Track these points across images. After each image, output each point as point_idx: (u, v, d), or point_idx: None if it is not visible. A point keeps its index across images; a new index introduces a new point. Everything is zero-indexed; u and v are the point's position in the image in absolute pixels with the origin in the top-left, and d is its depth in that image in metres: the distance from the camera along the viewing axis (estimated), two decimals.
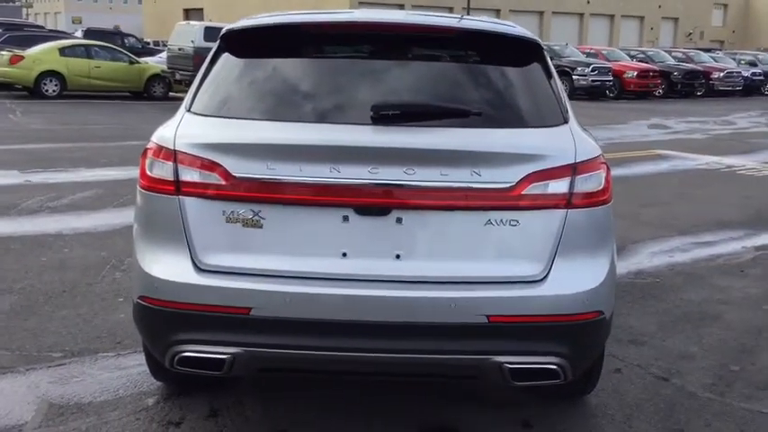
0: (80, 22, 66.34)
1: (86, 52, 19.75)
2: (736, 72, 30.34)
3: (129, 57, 20.40)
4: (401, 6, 40.39)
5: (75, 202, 7.53)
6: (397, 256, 2.70)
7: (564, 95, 3.06)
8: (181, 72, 19.12)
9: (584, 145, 2.83)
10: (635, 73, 27.04)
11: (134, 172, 2.96)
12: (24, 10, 73.77)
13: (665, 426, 3.40)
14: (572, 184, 2.74)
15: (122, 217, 6.57)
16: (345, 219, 2.68)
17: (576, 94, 24.28)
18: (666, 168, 11.12)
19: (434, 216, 2.70)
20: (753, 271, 5.90)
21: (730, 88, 29.75)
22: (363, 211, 2.68)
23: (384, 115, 2.71)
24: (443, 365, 2.77)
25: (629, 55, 30.48)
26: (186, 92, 3.14)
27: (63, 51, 19.41)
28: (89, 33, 27.51)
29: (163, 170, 2.76)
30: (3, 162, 9.63)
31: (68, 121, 14.68)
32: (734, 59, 33.33)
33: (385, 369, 2.83)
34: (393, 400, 3.54)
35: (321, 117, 2.82)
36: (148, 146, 2.87)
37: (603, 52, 29.96)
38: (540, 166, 2.71)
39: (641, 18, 56.81)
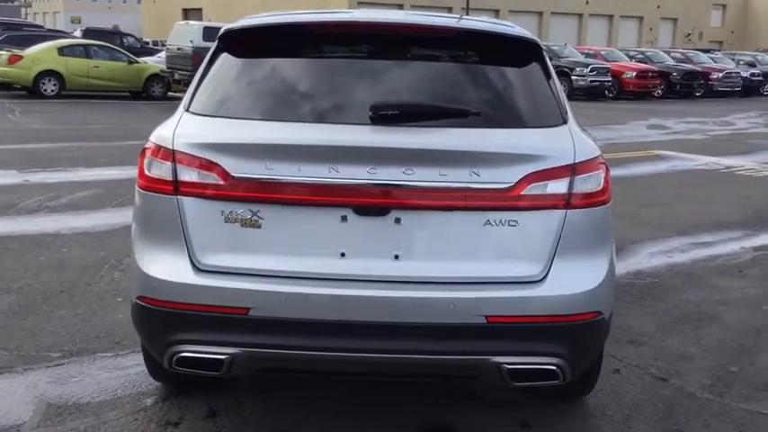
0: (79, 22, 66.30)
1: (85, 52, 19.73)
2: (735, 73, 30.36)
3: (128, 56, 20.39)
4: (400, 6, 40.39)
5: (74, 201, 7.52)
6: (396, 257, 2.70)
7: (563, 96, 3.06)
8: (180, 72, 19.10)
9: (583, 145, 2.83)
10: (634, 73, 27.05)
11: (133, 172, 2.95)
12: (23, 9, 73.79)
13: (664, 426, 3.40)
14: (571, 185, 2.73)
15: (121, 217, 6.56)
16: (344, 219, 2.68)
17: (575, 94, 24.29)
18: (665, 169, 11.12)
19: (433, 216, 2.70)
20: (751, 271, 5.90)
21: (729, 89, 29.77)
22: (362, 211, 2.68)
23: (383, 115, 2.71)
24: (443, 366, 2.77)
25: (627, 55, 30.47)
26: (185, 92, 3.13)
27: (62, 51, 19.40)
28: (88, 33, 27.49)
29: (161, 170, 2.76)
30: (1, 162, 9.62)
31: (67, 121, 14.67)
32: (733, 60, 33.34)
33: (384, 370, 2.83)
34: (392, 401, 3.53)
35: (320, 117, 2.81)
36: (147, 146, 2.87)
37: (602, 53, 29.96)
38: (540, 166, 2.71)
39: (640, 18, 56.82)
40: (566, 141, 2.80)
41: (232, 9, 39.12)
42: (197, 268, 2.70)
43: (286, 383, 3.62)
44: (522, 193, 2.69)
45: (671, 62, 30.56)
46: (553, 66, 3.22)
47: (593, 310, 2.77)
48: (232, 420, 3.32)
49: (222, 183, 2.68)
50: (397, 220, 2.68)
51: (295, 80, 3.01)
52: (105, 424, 3.25)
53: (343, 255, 2.69)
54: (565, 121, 2.90)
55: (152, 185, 2.78)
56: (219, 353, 2.67)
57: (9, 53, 18.97)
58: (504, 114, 2.89)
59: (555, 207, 2.73)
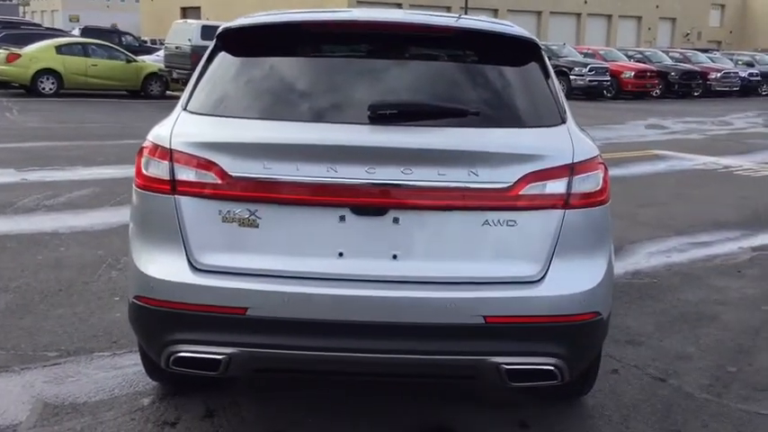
0: (77, 21, 66.21)
1: (83, 50, 19.69)
2: (734, 72, 30.39)
3: (127, 55, 20.35)
4: (399, 6, 40.38)
5: (72, 200, 7.51)
6: (394, 257, 2.69)
7: (561, 95, 3.05)
8: (178, 71, 19.08)
9: (581, 145, 2.83)
10: (632, 73, 27.05)
11: (131, 171, 2.94)
12: (21, 8, 73.70)
13: (663, 427, 3.39)
14: (570, 185, 2.73)
15: (119, 216, 6.55)
16: (342, 219, 2.67)
17: (574, 94, 24.30)
18: (664, 169, 11.13)
19: (432, 216, 2.69)
20: (750, 271, 5.90)
21: (727, 89, 29.80)
22: (360, 210, 2.67)
23: (381, 115, 2.70)
24: (441, 366, 2.76)
25: (626, 55, 30.47)
26: (183, 90, 3.12)
27: (60, 49, 19.37)
28: (86, 32, 27.43)
29: (159, 169, 2.75)
30: None
31: (65, 120, 14.65)
32: (731, 60, 33.35)
33: (382, 370, 2.82)
34: (391, 401, 3.53)
35: (318, 116, 2.80)
36: (144, 144, 2.86)
37: (601, 52, 29.96)
38: (538, 166, 2.70)
39: (639, 18, 56.84)
40: (564, 141, 2.80)
41: (230, 8, 39.04)
42: (194, 268, 2.69)
43: (283, 383, 3.61)
44: (520, 192, 2.68)
45: (669, 62, 30.57)
46: (552, 65, 3.21)
47: (591, 310, 2.77)
48: (229, 420, 3.31)
49: (220, 182, 2.68)
50: (396, 220, 2.68)
51: (293, 79, 3.00)
52: (102, 424, 3.25)
53: (341, 254, 2.69)
54: (563, 121, 2.90)
55: (149, 185, 2.78)
56: (217, 353, 2.66)
57: (7, 51, 18.95)
58: (502, 114, 2.88)
59: (553, 207, 2.72)
